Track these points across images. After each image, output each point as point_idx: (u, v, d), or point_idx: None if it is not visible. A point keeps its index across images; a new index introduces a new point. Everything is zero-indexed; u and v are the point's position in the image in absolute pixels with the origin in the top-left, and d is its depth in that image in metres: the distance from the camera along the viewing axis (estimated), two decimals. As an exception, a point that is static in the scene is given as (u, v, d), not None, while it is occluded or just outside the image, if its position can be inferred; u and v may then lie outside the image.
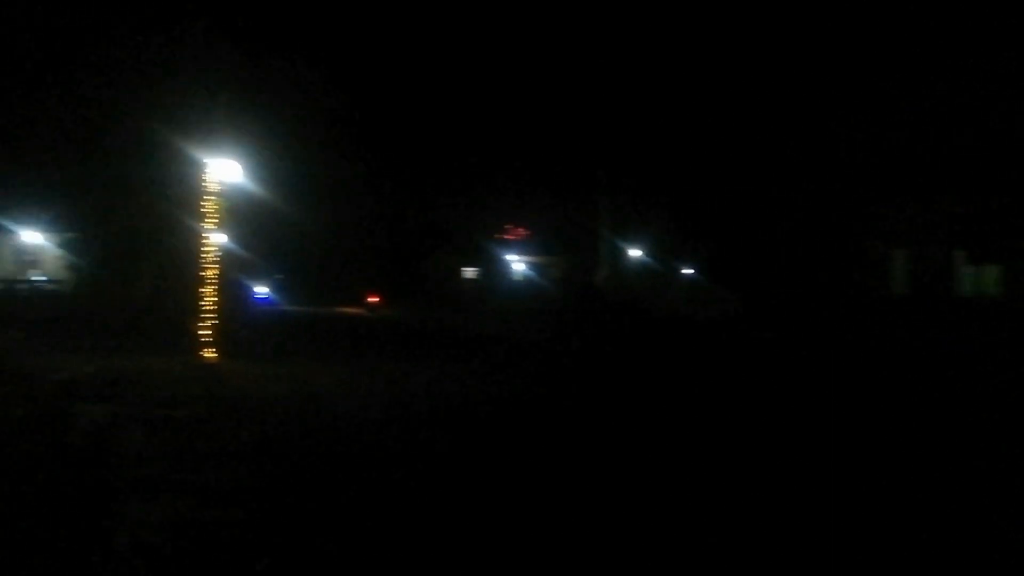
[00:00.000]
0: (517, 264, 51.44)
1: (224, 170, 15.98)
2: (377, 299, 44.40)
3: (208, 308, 15.68)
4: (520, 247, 50.76)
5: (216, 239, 16.22)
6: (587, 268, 45.30)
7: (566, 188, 45.17)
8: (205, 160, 15.73)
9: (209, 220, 15.73)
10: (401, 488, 7.38)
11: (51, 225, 25.87)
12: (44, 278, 27.43)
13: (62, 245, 26.30)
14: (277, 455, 8.54)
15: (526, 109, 42.31)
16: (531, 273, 50.30)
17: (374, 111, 39.85)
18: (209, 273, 16.01)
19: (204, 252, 16.02)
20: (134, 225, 20.78)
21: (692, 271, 44.69)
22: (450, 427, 10.39)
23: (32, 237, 27.22)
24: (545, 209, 47.58)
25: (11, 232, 25.63)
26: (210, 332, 15.57)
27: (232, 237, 17.13)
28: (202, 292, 15.99)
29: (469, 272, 52.84)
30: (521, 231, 50.58)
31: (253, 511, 6.60)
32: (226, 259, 16.75)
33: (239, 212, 17.82)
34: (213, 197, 15.67)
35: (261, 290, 36.21)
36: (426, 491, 7.29)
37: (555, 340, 23.69)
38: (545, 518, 6.56)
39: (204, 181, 15.66)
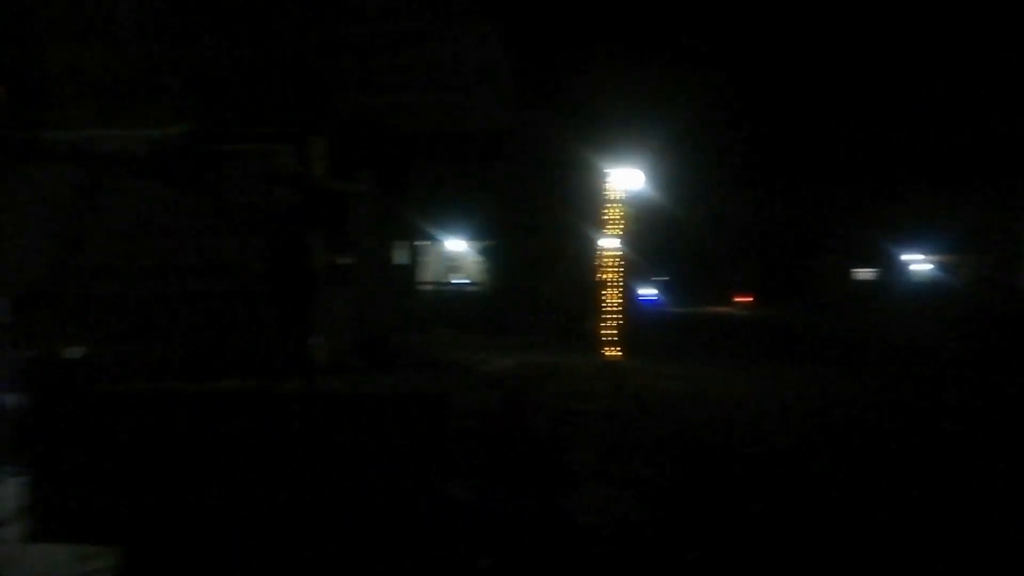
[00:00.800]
0: (919, 264, 47.04)
1: (626, 178, 16.92)
2: (748, 299, 43.60)
3: (610, 309, 16.66)
4: (922, 246, 46.35)
5: (616, 244, 17.17)
6: (1009, 267, 40.03)
7: (977, 180, 40.34)
8: (608, 170, 16.75)
9: (611, 226, 16.72)
10: (818, 502, 7.25)
11: (472, 234, 29.29)
12: (465, 281, 31.13)
13: (481, 252, 29.65)
14: (684, 451, 8.84)
15: (930, 98, 38.51)
16: (937, 273, 45.66)
17: (765, 109, 39.06)
18: (610, 276, 17.00)
19: (605, 256, 17.06)
20: (543, 233, 22.68)
21: None
22: (872, 443, 9.87)
23: (455, 245, 31.12)
24: (952, 204, 42.91)
25: (439, 241, 29.40)
26: (613, 332, 16.53)
27: (629, 241, 17.98)
28: (604, 294, 17.02)
29: (863, 273, 49.44)
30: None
31: (675, 506, 6.92)
32: (624, 263, 17.62)
33: (638, 217, 18.63)
34: (615, 204, 16.64)
35: (648, 291, 37.37)
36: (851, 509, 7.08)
37: (980, 349, 21.27)
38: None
39: (607, 189, 16.68)
